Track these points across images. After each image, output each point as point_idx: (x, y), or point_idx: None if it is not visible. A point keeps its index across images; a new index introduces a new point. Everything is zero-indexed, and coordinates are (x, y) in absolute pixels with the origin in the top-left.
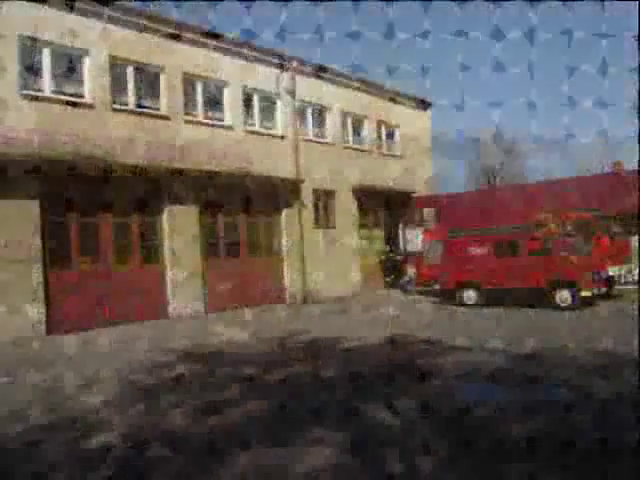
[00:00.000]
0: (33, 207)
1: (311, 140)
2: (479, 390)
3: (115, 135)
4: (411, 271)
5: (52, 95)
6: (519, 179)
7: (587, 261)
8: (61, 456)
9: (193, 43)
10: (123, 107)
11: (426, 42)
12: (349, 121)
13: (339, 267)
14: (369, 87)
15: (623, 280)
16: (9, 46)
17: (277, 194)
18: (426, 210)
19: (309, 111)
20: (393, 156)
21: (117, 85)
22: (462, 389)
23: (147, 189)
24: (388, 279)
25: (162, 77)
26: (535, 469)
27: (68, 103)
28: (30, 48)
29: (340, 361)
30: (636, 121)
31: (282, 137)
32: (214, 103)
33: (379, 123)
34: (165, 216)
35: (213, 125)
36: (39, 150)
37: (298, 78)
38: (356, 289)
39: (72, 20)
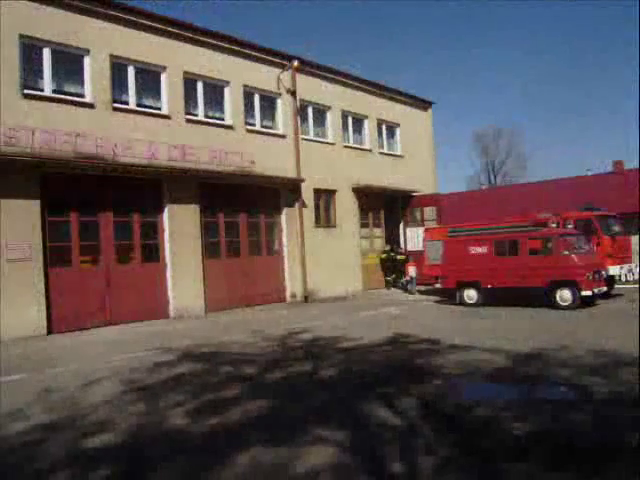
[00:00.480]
0: (33, 207)
1: (311, 139)
2: (480, 389)
3: (115, 135)
4: (412, 270)
5: (52, 95)
6: (520, 178)
7: (587, 260)
8: (61, 455)
9: (194, 42)
10: (124, 106)
11: (429, 38)
12: (350, 120)
13: (339, 266)
14: (370, 86)
15: (624, 279)
16: (10, 45)
17: (278, 193)
18: (427, 209)
19: (309, 110)
20: (394, 155)
21: (118, 84)
22: (463, 388)
23: (147, 189)
24: (389, 278)
25: (163, 76)
26: (535, 469)
27: (68, 102)
28: (30, 47)
29: (340, 360)
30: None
31: (283, 136)
32: (215, 102)
33: (380, 122)
34: (165, 216)
35: (214, 124)
36: (39, 150)
37: (299, 77)
38: (356, 288)
39: (73, 19)
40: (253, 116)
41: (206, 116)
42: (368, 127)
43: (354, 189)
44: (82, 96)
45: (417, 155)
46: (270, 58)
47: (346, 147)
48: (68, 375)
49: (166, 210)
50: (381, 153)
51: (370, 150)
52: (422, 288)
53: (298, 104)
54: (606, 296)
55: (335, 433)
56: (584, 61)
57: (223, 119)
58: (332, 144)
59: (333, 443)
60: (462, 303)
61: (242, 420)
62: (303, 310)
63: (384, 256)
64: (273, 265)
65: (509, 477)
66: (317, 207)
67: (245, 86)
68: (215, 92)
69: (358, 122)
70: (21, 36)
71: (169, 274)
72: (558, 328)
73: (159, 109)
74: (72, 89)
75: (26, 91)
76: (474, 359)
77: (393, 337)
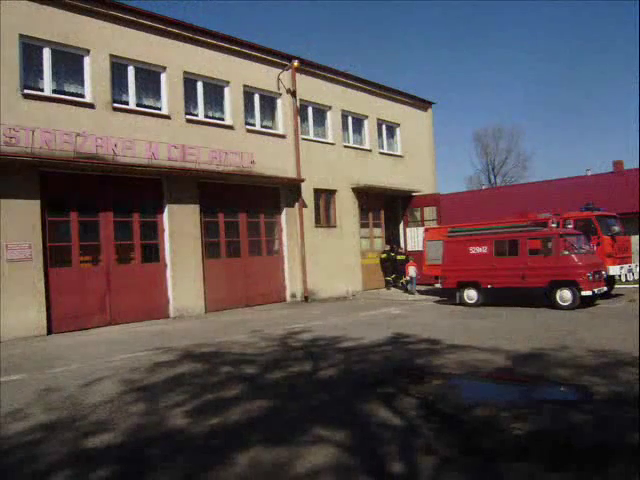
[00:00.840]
0: (33, 207)
1: (311, 139)
2: (480, 389)
3: (115, 135)
4: (412, 270)
5: (52, 95)
6: (520, 178)
7: (588, 260)
8: (61, 455)
9: (194, 42)
10: (124, 106)
11: (429, 38)
12: (350, 120)
13: (339, 266)
14: (370, 86)
15: (624, 279)
16: (10, 45)
17: (278, 193)
18: (427, 209)
19: (309, 110)
20: (394, 155)
21: (118, 84)
22: (463, 388)
23: (147, 189)
24: (389, 278)
25: (163, 76)
26: (535, 469)
27: (68, 102)
28: (30, 47)
29: (340, 360)
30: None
31: (283, 136)
32: (214, 102)
33: (380, 122)
34: (165, 216)
35: (213, 124)
36: (39, 150)
37: (299, 77)
38: (356, 288)
39: (73, 19)
40: (253, 116)
41: (206, 116)
42: (368, 127)
43: (354, 189)
44: (82, 96)
45: (417, 155)
46: (270, 58)
47: (346, 147)
48: (68, 375)
49: (166, 210)
50: (381, 153)
51: (370, 150)
52: (422, 288)
53: (298, 104)
54: (606, 296)
55: (335, 433)
56: (584, 61)
57: (223, 119)
58: (332, 144)
59: (333, 443)
60: (462, 303)
61: (242, 420)
62: (303, 310)
63: (384, 256)
64: (273, 265)
65: (509, 477)
66: (317, 207)
67: (245, 86)
68: (215, 92)
69: (358, 122)
70: (21, 36)
71: (169, 274)
72: (558, 328)
73: (159, 109)
74: (72, 89)
75: (26, 91)
76: (474, 359)
77: (393, 337)
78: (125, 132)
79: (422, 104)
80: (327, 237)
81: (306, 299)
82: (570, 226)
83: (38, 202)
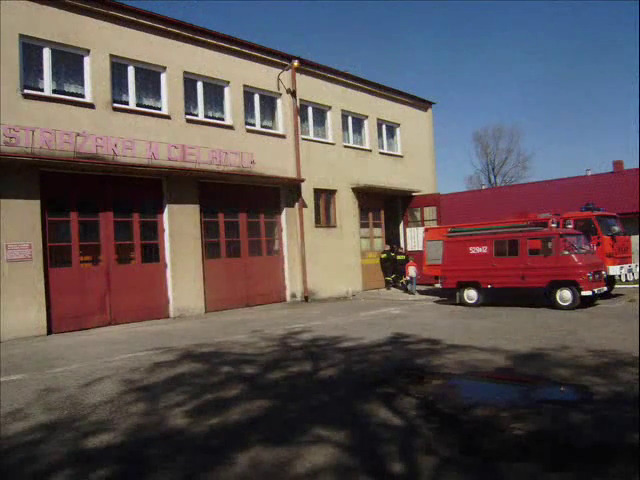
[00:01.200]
0: (33, 207)
1: (311, 139)
2: (480, 389)
3: (115, 135)
4: (412, 270)
5: (52, 95)
6: (520, 178)
7: (588, 260)
8: (61, 455)
9: (194, 42)
10: (124, 106)
11: (429, 38)
12: (350, 120)
13: (339, 266)
14: (370, 86)
15: (624, 279)
16: (10, 45)
17: (278, 193)
18: (427, 209)
19: (309, 110)
20: (394, 155)
21: (118, 84)
22: (463, 388)
23: (147, 189)
24: (389, 278)
25: (163, 76)
26: (535, 469)
27: (68, 102)
28: (30, 47)
29: (340, 360)
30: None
31: (283, 136)
32: (215, 102)
33: (380, 122)
34: (165, 216)
35: (214, 124)
36: (39, 150)
37: (299, 77)
38: (356, 288)
39: (73, 19)
40: (253, 116)
41: (206, 116)
42: (368, 127)
43: (354, 189)
44: (82, 96)
45: (417, 155)
46: (270, 58)
47: (346, 147)
48: (68, 375)
49: (166, 210)
50: (381, 153)
51: (370, 150)
52: (422, 288)
53: (298, 104)
54: (606, 296)
55: (335, 433)
56: (584, 61)
57: (223, 119)
58: (332, 144)
59: (333, 443)
60: (462, 303)
61: (242, 420)
62: (303, 310)
63: (384, 256)
64: (273, 265)
65: (509, 477)
66: (317, 207)
67: (245, 86)
68: (215, 92)
69: (358, 122)
70: (21, 36)
71: (169, 274)
72: (558, 328)
73: (159, 109)
74: (72, 89)
75: (26, 91)
76: (474, 359)
77: (393, 337)
78: (125, 132)
79: (422, 104)
80: (327, 237)
81: (306, 299)
82: (570, 226)
83: (38, 202)
